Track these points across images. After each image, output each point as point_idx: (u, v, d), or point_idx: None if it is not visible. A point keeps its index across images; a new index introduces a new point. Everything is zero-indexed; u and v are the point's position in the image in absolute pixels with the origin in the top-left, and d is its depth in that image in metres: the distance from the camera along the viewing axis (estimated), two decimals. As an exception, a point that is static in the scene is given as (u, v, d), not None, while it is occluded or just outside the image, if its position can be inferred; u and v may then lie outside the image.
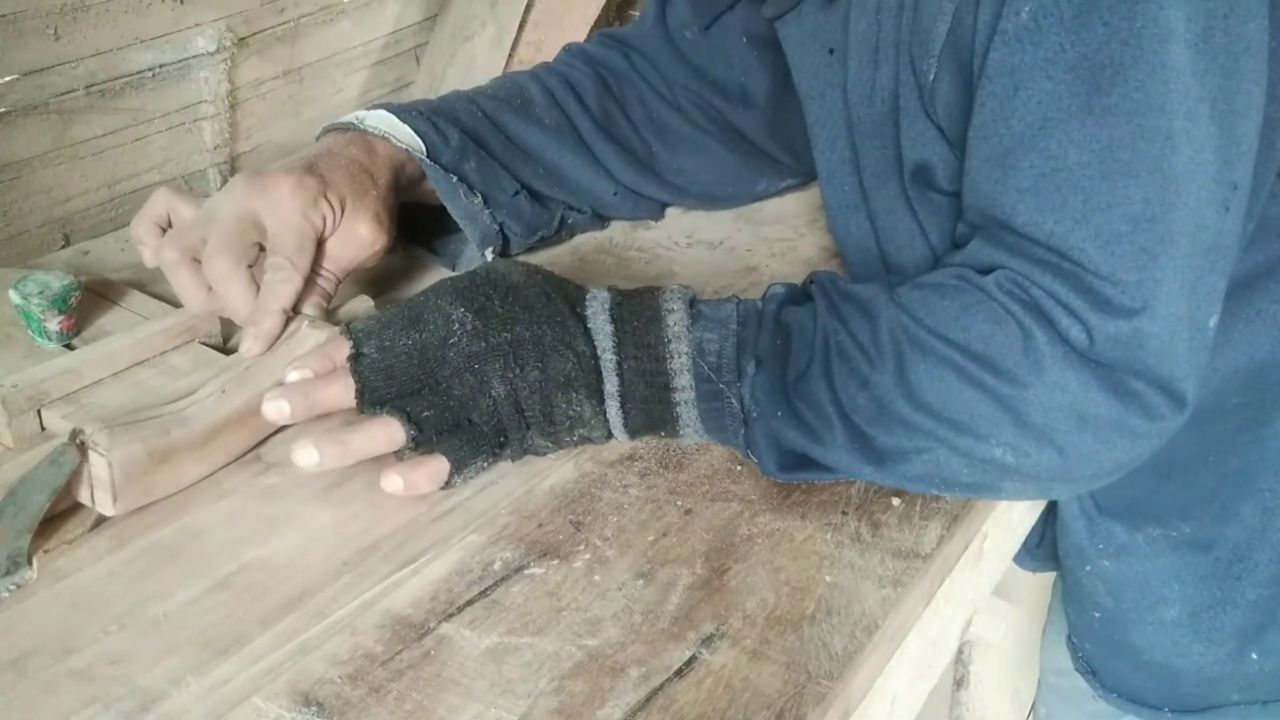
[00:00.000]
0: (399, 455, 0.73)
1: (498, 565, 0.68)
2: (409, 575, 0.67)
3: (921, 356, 0.69)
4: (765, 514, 0.73)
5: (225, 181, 1.28)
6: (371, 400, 0.72)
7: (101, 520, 0.70)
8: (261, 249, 0.80)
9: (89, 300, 0.89)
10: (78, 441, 0.67)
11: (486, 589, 0.66)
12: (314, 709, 0.58)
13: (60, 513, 0.70)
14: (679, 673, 0.61)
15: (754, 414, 0.73)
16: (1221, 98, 0.66)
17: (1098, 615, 0.95)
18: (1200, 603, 0.90)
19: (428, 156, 0.91)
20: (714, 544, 0.71)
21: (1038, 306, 0.68)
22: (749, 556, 0.70)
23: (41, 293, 0.83)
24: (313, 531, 0.70)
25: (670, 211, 1.14)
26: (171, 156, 1.22)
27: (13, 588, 0.65)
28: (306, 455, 0.70)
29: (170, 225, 0.85)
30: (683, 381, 0.74)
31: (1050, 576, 1.15)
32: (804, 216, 1.14)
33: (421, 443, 0.72)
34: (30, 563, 0.66)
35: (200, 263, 0.79)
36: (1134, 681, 0.95)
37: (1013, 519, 0.90)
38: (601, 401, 0.74)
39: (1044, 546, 1.04)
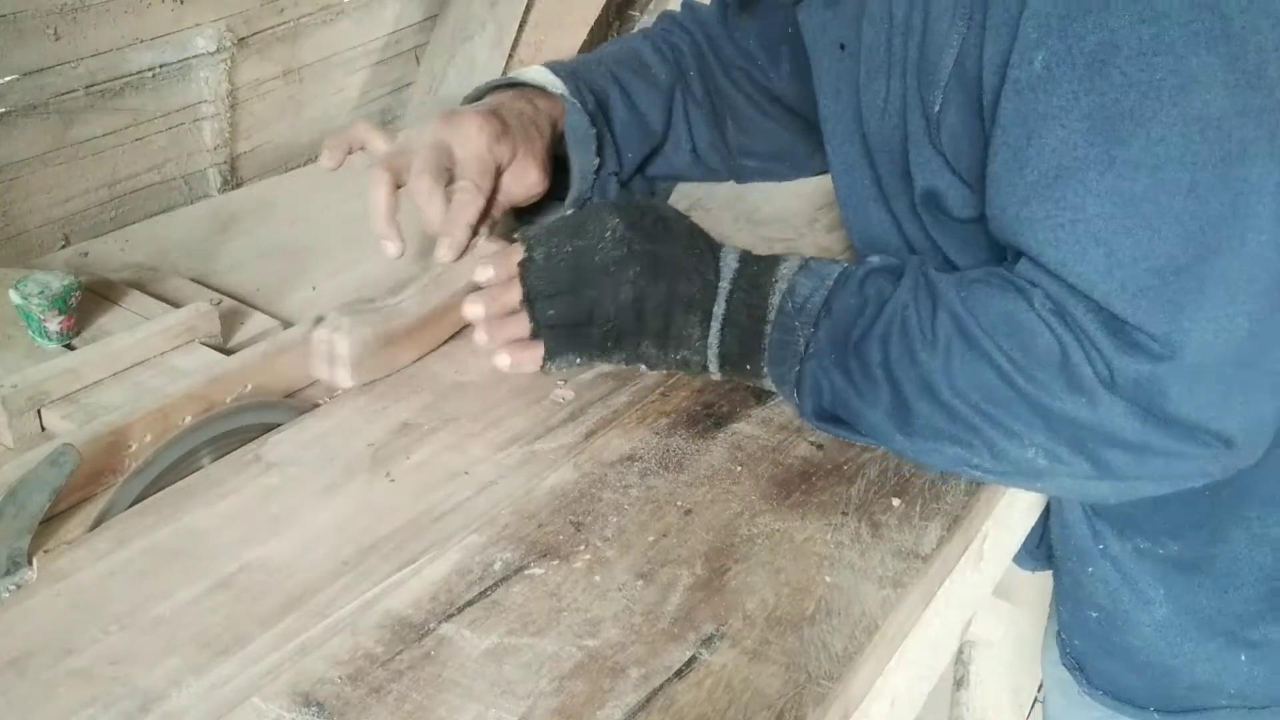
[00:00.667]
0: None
1: (498, 565, 0.68)
2: (409, 575, 0.67)
3: (968, 348, 0.71)
4: (765, 514, 0.73)
5: (225, 181, 1.29)
6: (530, 299, 0.82)
7: (101, 520, 0.70)
8: (451, 176, 0.89)
9: (89, 300, 0.89)
10: (319, 324, 0.83)
11: (486, 589, 0.66)
12: (314, 709, 0.58)
13: (60, 513, 0.70)
14: (679, 673, 0.61)
15: (809, 352, 0.78)
16: None
17: (1095, 615, 0.95)
18: (1187, 604, 0.90)
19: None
20: (714, 544, 0.71)
21: (1073, 331, 0.69)
22: (749, 557, 0.70)
23: (41, 293, 0.83)
24: (313, 531, 0.70)
25: (670, 211, 1.14)
26: (171, 156, 1.22)
27: (13, 588, 0.65)
28: (500, 360, 0.83)
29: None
30: (774, 317, 0.80)
31: (1049, 575, 1.15)
32: (804, 216, 1.14)
33: (537, 335, 0.83)
34: (30, 563, 0.66)
35: (398, 187, 0.88)
36: (1125, 681, 0.95)
37: (1012, 519, 0.90)
38: (709, 324, 0.81)
39: (1044, 546, 1.04)
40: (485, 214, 0.90)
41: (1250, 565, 0.87)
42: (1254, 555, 0.87)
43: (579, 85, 1.00)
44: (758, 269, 0.82)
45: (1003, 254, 0.77)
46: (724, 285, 0.81)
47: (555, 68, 1.01)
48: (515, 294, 0.82)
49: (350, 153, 0.93)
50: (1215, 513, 0.87)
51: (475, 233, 0.89)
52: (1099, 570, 0.92)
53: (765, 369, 0.81)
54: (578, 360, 0.83)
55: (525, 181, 0.94)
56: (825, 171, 1.15)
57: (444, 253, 0.87)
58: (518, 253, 0.83)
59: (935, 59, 0.74)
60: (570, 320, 0.82)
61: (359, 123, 0.95)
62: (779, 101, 1.09)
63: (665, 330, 0.81)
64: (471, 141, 0.89)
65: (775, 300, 0.80)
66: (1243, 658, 0.89)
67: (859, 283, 0.78)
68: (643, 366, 0.85)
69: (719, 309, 0.81)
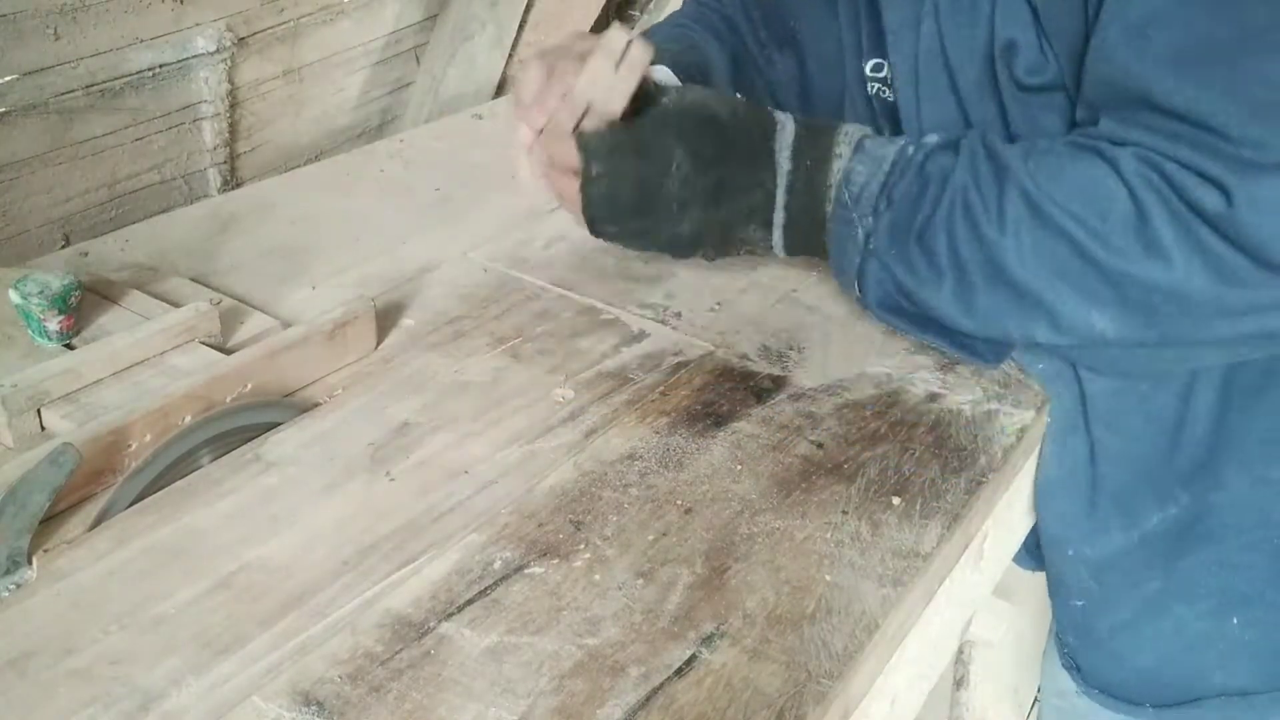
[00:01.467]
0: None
1: (498, 565, 0.68)
2: (409, 575, 0.67)
3: (1040, 224, 0.72)
4: (765, 514, 0.73)
5: (225, 181, 1.29)
6: (596, 224, 0.83)
7: (101, 520, 0.70)
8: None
9: (89, 300, 0.89)
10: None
11: (486, 589, 0.66)
12: (314, 709, 0.58)
13: (60, 512, 0.70)
14: (679, 672, 0.61)
15: (872, 247, 0.79)
16: None
17: (1080, 604, 0.95)
18: (1184, 566, 0.89)
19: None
20: (714, 544, 0.71)
21: (1169, 181, 0.69)
22: (749, 556, 0.70)
23: (41, 293, 0.83)
24: (313, 531, 0.70)
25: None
26: (171, 156, 1.22)
27: (13, 588, 0.65)
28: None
29: None
30: (831, 209, 0.81)
31: (1049, 575, 1.15)
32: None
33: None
34: (30, 563, 0.66)
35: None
36: (1116, 678, 0.95)
37: (1012, 519, 0.90)
38: (770, 229, 0.84)
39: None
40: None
41: (1249, 509, 0.87)
42: (1254, 499, 0.87)
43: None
44: (809, 165, 0.82)
45: (1066, 132, 0.78)
46: (780, 192, 0.83)
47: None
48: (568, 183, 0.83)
49: None
50: (1216, 455, 0.87)
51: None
52: (1079, 554, 0.92)
53: (830, 254, 0.83)
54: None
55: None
56: None
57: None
58: (573, 149, 0.81)
59: None
60: (625, 236, 0.85)
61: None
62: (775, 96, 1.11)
63: (724, 239, 0.84)
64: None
65: (832, 194, 0.81)
66: (1235, 620, 0.89)
67: (919, 167, 0.78)
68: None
69: (779, 218, 0.83)
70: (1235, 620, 0.89)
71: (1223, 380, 0.84)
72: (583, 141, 0.81)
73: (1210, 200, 0.68)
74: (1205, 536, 0.89)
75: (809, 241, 0.84)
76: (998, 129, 0.84)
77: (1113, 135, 0.73)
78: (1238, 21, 0.67)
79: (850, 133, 0.83)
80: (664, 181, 0.81)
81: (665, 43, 1.06)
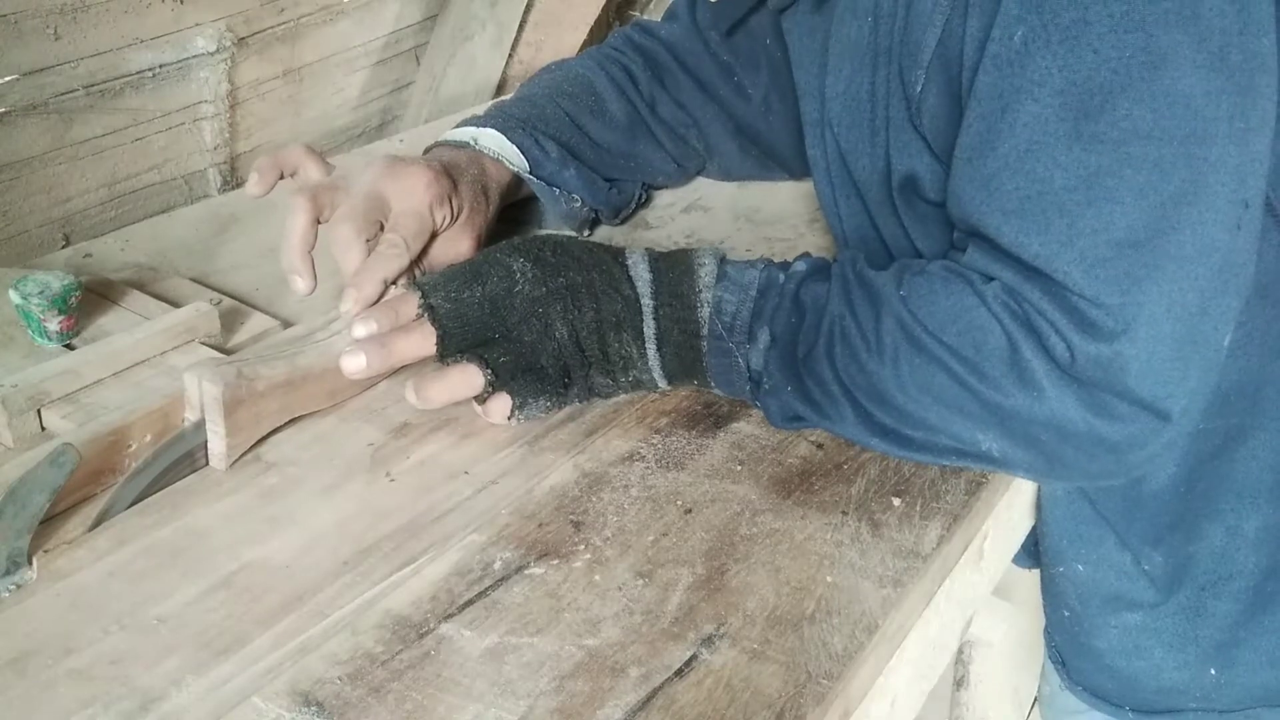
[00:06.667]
0: (478, 400, 0.78)
1: (498, 565, 0.68)
2: (409, 575, 0.67)
3: (916, 352, 0.72)
4: (765, 514, 0.73)
5: (225, 181, 1.29)
6: (452, 348, 0.77)
7: (101, 520, 0.70)
8: (380, 228, 0.84)
9: (89, 300, 0.89)
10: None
11: (486, 589, 0.66)
12: (314, 709, 0.58)
13: (60, 513, 0.70)
14: (679, 673, 0.61)
15: (767, 386, 0.78)
16: (1239, 115, 0.66)
17: (1067, 614, 0.95)
18: (1165, 609, 0.90)
19: (531, 170, 0.99)
20: (714, 544, 0.71)
21: (1028, 320, 0.69)
22: (749, 556, 0.70)
23: (41, 293, 0.83)
24: (313, 531, 0.70)
25: (670, 212, 1.14)
26: (171, 156, 1.22)
27: (13, 588, 0.65)
28: (409, 396, 0.78)
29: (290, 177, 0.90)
30: (706, 334, 0.79)
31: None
32: (804, 216, 1.14)
33: (498, 387, 0.77)
34: (30, 563, 0.66)
35: (318, 221, 0.83)
36: (1098, 680, 0.96)
37: (1013, 519, 0.90)
38: (643, 343, 0.79)
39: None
40: (406, 274, 0.84)
41: (1228, 562, 0.87)
42: (1229, 551, 0.87)
43: (537, 139, 1.00)
44: (673, 276, 0.79)
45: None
46: (647, 301, 0.79)
47: (511, 123, 0.99)
48: (415, 342, 0.77)
49: (281, 177, 0.88)
50: (1190, 511, 0.87)
51: (386, 290, 0.81)
52: (1070, 572, 0.92)
53: (711, 381, 0.81)
54: (549, 406, 0.79)
55: (456, 250, 0.90)
56: (793, 178, 1.18)
57: (346, 304, 0.79)
58: (408, 302, 0.78)
59: (918, 39, 0.75)
60: (525, 365, 0.78)
61: (295, 146, 0.89)
62: (749, 129, 1.13)
63: (604, 355, 0.79)
64: (415, 196, 0.84)
65: (704, 315, 0.78)
66: (1212, 670, 0.90)
67: (792, 297, 0.78)
68: (598, 401, 0.82)
69: (649, 329, 0.79)
70: (1213, 670, 0.90)
71: (1182, 454, 0.84)
72: (418, 284, 0.78)
73: (1059, 350, 0.68)
74: (1189, 582, 0.89)
75: (684, 359, 0.79)
76: (902, 239, 0.86)
77: (979, 267, 0.73)
78: (1078, 168, 0.67)
79: (707, 249, 0.81)
80: (513, 294, 0.77)
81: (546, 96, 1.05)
